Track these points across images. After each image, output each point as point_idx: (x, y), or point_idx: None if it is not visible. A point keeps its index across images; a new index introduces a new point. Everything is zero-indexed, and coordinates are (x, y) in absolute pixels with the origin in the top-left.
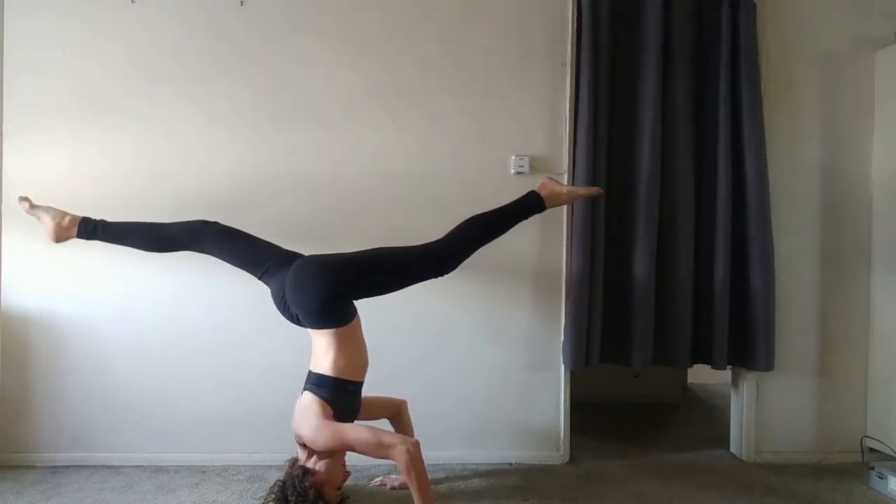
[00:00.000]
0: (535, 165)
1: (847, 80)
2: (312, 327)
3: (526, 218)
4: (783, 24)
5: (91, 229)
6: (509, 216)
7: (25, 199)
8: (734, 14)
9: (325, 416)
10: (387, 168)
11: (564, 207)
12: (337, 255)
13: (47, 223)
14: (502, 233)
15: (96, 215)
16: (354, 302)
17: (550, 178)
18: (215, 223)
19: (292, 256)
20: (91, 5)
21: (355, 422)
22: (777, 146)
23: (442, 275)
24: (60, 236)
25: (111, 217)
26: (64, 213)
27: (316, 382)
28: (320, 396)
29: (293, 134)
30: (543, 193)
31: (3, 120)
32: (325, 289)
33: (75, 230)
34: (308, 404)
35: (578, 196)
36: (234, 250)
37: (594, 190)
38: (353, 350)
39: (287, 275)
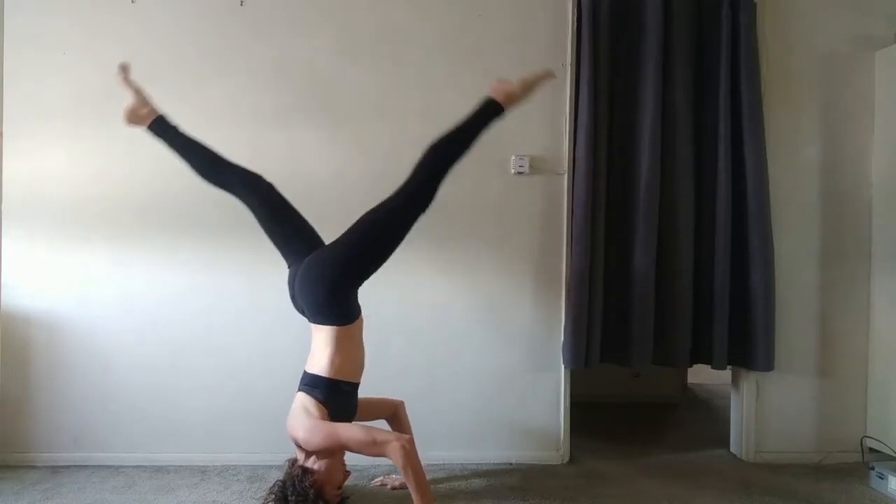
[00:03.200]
0: (535, 165)
1: (847, 80)
2: (314, 322)
3: (487, 126)
4: (783, 24)
5: (162, 129)
6: (471, 128)
7: (125, 67)
8: (734, 14)
9: (320, 417)
10: (387, 168)
11: (564, 208)
12: (336, 244)
13: (128, 103)
14: (467, 148)
15: (97, 214)
16: (359, 303)
17: (498, 80)
18: (269, 184)
19: (317, 247)
20: (91, 6)
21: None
22: (777, 146)
23: (425, 208)
24: (132, 120)
25: (114, 213)
26: (146, 103)
27: (310, 383)
28: (314, 397)
29: (293, 134)
30: (499, 97)
31: (3, 120)
32: (330, 282)
33: (148, 122)
34: (302, 405)
35: (532, 84)
36: (269, 217)
37: (543, 73)
38: (349, 350)
39: (301, 265)
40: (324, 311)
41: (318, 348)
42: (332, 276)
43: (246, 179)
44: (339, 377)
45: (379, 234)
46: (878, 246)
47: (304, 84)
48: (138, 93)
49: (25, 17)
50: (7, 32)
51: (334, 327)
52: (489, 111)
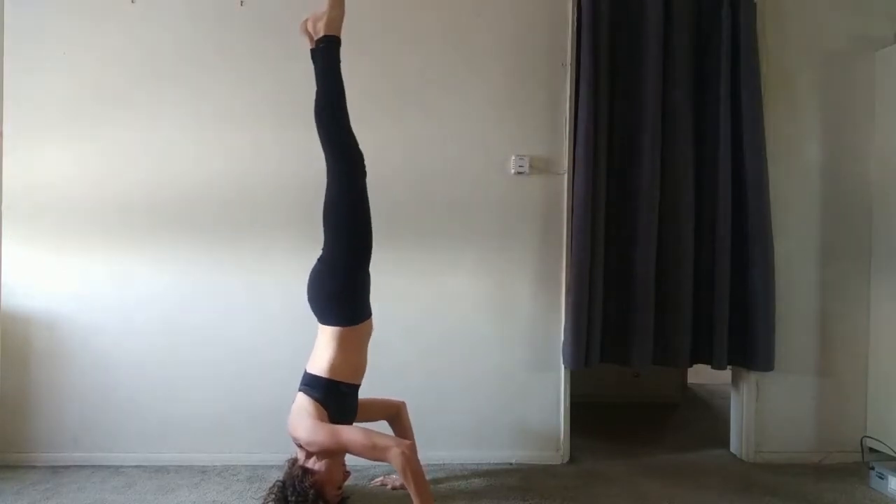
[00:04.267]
0: (535, 165)
1: (847, 80)
2: (321, 321)
3: (339, 61)
4: (783, 23)
5: (328, 51)
6: (330, 75)
7: None
8: (734, 14)
9: (319, 417)
10: (387, 168)
11: (564, 208)
12: (324, 248)
13: (322, 11)
14: (342, 91)
15: (97, 214)
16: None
17: (310, 20)
18: (363, 175)
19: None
20: (91, 5)
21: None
22: (777, 146)
23: (362, 166)
24: (310, 25)
25: (114, 213)
26: (330, 24)
27: (309, 383)
28: (312, 397)
29: (294, 133)
30: (323, 33)
31: (3, 120)
32: (330, 279)
33: (319, 38)
34: (301, 405)
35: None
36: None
37: None
38: (351, 352)
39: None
40: (326, 310)
41: (319, 348)
42: (330, 273)
43: (343, 163)
44: (338, 378)
45: (348, 218)
46: (878, 246)
47: (304, 84)
48: (340, 6)
49: (26, 17)
50: (7, 32)
51: (338, 328)
52: (329, 49)
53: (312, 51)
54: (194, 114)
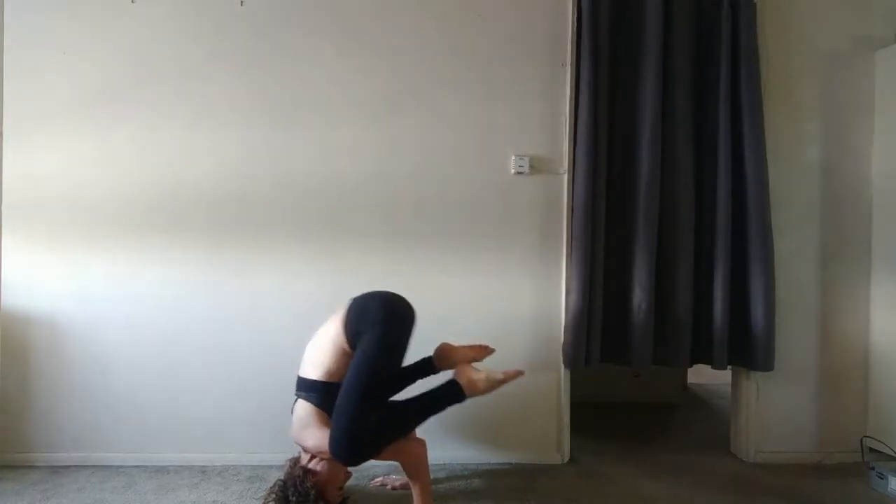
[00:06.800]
0: (535, 165)
1: (847, 80)
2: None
3: (443, 409)
4: (783, 24)
5: (449, 394)
6: (427, 407)
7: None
8: (734, 14)
9: (322, 422)
10: (387, 168)
11: (564, 207)
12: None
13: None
14: (412, 426)
15: (97, 214)
16: None
17: (471, 366)
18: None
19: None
20: (91, 5)
21: None
22: (777, 146)
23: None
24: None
25: (114, 213)
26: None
27: (306, 388)
28: (313, 403)
29: (294, 134)
30: (462, 381)
31: (3, 119)
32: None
33: (453, 380)
34: (304, 415)
35: (499, 385)
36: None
37: (514, 374)
38: (344, 359)
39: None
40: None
41: (317, 353)
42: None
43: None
44: (334, 380)
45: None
46: (878, 246)
47: (303, 84)
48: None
49: (25, 16)
50: (7, 32)
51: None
52: (451, 393)
53: (449, 381)
54: (194, 114)
